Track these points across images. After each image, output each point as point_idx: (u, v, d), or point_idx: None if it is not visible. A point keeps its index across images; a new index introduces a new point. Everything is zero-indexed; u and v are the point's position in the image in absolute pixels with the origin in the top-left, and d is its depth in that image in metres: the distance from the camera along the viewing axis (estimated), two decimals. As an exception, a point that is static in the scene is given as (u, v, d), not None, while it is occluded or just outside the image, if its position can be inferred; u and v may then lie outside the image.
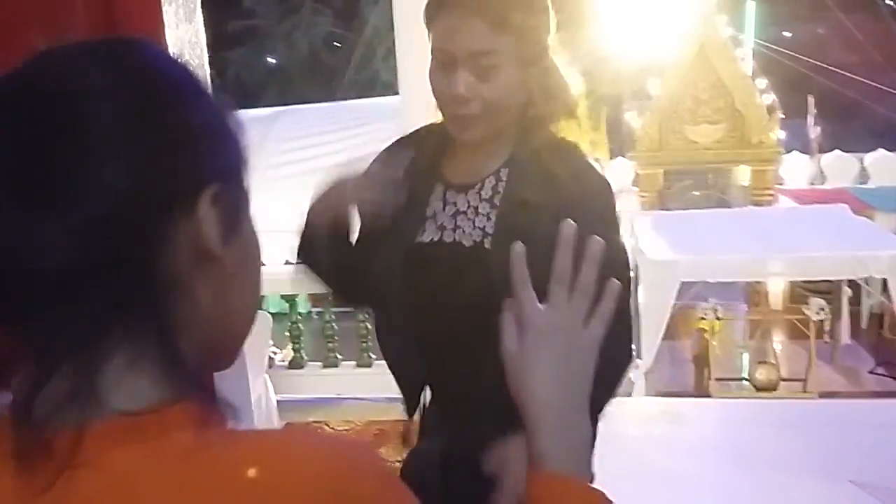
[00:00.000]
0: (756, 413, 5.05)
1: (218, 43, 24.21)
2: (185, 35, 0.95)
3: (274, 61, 26.43)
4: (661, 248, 7.89)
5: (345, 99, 14.47)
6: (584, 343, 0.77)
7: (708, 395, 8.07)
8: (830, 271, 7.97)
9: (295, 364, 5.81)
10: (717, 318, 8.52)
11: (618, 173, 13.90)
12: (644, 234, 8.38)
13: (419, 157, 1.48)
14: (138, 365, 0.54)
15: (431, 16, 1.39)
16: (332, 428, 4.71)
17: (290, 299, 5.89)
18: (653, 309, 7.42)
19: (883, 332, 10.40)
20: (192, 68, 0.62)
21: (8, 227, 0.51)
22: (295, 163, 9.02)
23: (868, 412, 5.21)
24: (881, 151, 12.20)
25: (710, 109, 12.63)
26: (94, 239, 0.51)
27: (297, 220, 1.48)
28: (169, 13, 0.93)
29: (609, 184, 1.54)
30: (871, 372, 9.26)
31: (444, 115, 1.44)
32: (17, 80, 0.54)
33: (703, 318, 8.56)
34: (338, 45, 24.71)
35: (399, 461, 1.65)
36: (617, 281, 0.78)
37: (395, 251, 1.47)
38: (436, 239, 1.47)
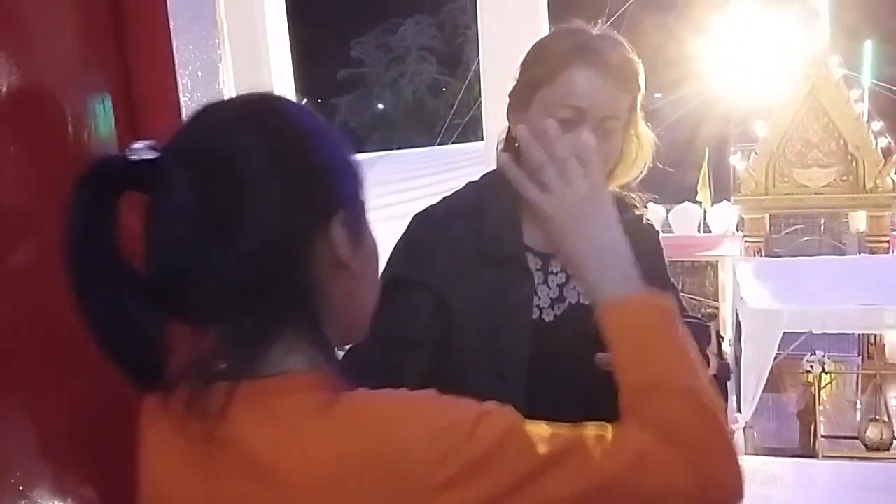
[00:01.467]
0: (862, 476, 4.72)
1: (328, 90, 25.28)
2: (206, 96, 1.02)
3: (380, 107, 27.25)
4: (763, 296, 7.58)
5: (445, 143, 14.76)
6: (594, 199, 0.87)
7: (813, 453, 7.62)
8: (953, 324, 7.45)
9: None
10: (824, 371, 8.07)
11: (721, 217, 13.52)
12: (746, 281, 8.07)
13: (493, 223, 1.32)
14: (295, 346, 0.70)
15: (557, 66, 1.22)
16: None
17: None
18: (753, 359, 7.12)
19: None
20: (314, 113, 0.77)
21: (195, 258, 0.67)
22: (392, 206, 9.24)
23: None
24: None
25: (820, 152, 12.13)
26: (259, 262, 0.68)
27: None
28: (184, 77, 0.99)
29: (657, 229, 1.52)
30: None
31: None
32: (188, 139, 0.71)
33: (808, 372, 8.14)
34: (443, 90, 25.26)
35: None
36: None
37: (515, 326, 1.31)
38: (559, 309, 1.35)
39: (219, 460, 0.67)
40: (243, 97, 0.76)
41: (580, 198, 0.85)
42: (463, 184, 1.38)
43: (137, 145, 0.70)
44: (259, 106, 0.75)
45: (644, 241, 1.32)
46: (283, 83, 4.72)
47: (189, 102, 1.01)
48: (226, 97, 1.10)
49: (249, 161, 0.68)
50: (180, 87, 1.00)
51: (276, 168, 0.69)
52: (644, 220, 1.45)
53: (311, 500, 0.64)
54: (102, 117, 0.97)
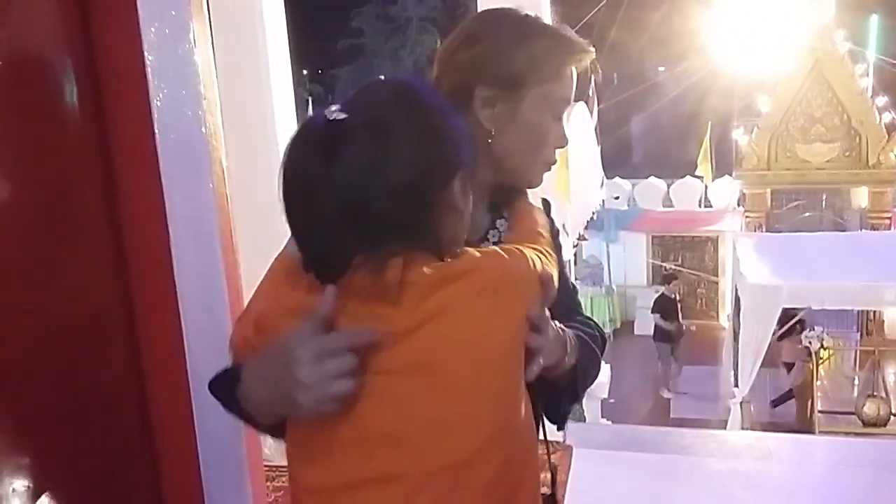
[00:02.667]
0: (858, 452, 4.71)
1: (328, 60, 25.06)
2: (174, 54, 0.96)
3: (380, 77, 26.96)
4: (763, 272, 7.53)
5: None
6: None
7: (810, 429, 7.63)
8: (954, 301, 7.41)
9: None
10: (823, 347, 8.05)
11: (722, 192, 13.45)
12: (746, 257, 8.03)
13: None
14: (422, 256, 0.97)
15: (563, 61, 1.26)
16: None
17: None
18: (751, 335, 7.09)
19: None
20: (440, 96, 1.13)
21: (371, 189, 0.93)
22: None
23: None
24: None
25: (824, 127, 12.03)
26: (406, 206, 0.94)
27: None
28: (150, 34, 0.94)
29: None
30: None
31: (535, 163, 1.32)
32: (362, 109, 0.96)
33: (806, 347, 8.12)
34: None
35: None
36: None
37: None
38: None
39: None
40: (395, 81, 1.07)
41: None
42: None
43: (333, 108, 0.95)
44: (407, 89, 1.02)
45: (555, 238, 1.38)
46: (277, 52, 4.64)
47: (155, 61, 0.95)
48: (197, 56, 1.05)
49: (400, 133, 0.95)
50: (145, 45, 0.95)
51: (419, 138, 0.95)
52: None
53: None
54: (65, 76, 0.92)
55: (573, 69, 1.28)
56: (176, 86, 1.01)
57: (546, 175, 1.36)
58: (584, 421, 6.69)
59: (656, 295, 11.31)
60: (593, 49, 1.30)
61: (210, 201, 1.09)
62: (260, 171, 5.12)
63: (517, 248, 1.07)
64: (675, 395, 10.56)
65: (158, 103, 0.97)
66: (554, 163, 1.33)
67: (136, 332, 1.00)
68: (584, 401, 7.10)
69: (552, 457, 1.36)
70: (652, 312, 11.02)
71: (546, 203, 1.41)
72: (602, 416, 7.06)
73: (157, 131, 0.95)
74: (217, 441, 1.06)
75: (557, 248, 1.30)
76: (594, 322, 1.36)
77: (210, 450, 1.03)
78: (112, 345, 1.01)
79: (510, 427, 1.01)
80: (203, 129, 1.07)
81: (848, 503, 3.92)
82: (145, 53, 0.95)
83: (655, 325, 10.86)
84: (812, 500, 4.06)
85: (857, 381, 8.83)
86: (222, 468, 1.07)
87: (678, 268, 13.87)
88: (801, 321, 8.88)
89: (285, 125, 5.13)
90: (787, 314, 8.82)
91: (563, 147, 1.32)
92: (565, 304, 1.23)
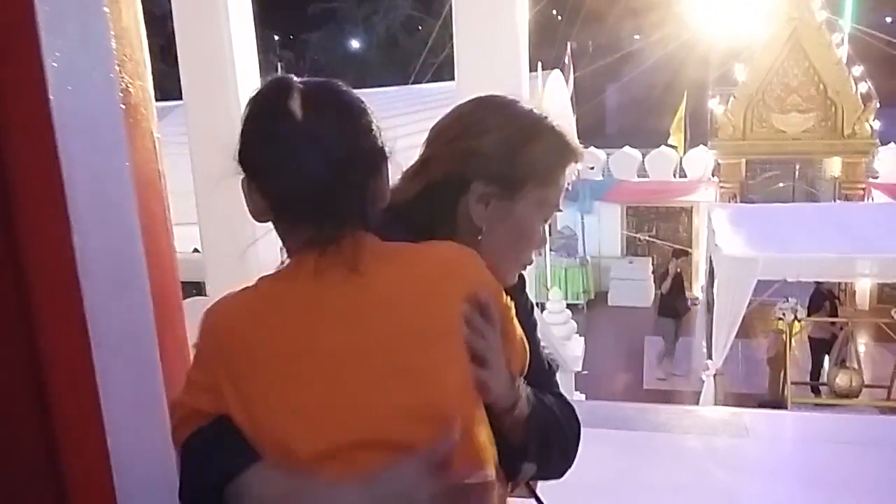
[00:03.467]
0: (831, 427, 4.66)
1: (297, 26, 24.51)
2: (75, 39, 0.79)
3: (353, 45, 26.54)
4: (738, 243, 7.46)
5: (420, 83, 14.36)
6: None
7: (782, 400, 7.63)
8: (926, 273, 7.41)
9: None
10: (797, 319, 8.03)
11: (697, 162, 13.38)
12: (721, 228, 7.95)
13: None
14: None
15: (563, 166, 1.25)
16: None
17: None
18: (726, 307, 7.03)
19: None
20: None
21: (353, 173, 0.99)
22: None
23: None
24: None
25: (800, 97, 11.97)
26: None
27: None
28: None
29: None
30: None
31: (516, 262, 1.29)
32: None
33: (780, 319, 8.10)
34: (418, 28, 24.61)
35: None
36: None
37: None
38: None
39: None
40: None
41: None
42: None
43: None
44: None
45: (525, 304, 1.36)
46: (241, 17, 4.40)
47: (51, 12, 0.78)
48: (107, 6, 0.87)
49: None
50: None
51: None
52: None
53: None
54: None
55: (566, 167, 1.26)
56: (79, 43, 0.83)
57: None
58: (558, 395, 6.62)
59: (660, 270, 11.04)
60: (584, 152, 1.31)
61: (124, 180, 0.92)
62: (221, 140, 4.91)
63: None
64: (660, 370, 10.47)
65: (55, 64, 0.79)
66: (531, 263, 1.32)
67: (34, 340, 0.83)
68: (557, 374, 7.03)
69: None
70: (657, 288, 10.80)
71: (521, 279, 1.34)
72: (576, 390, 6.99)
73: (51, 98, 0.78)
74: (134, 460, 0.92)
75: (532, 327, 1.27)
76: (570, 405, 1.30)
77: (127, 478, 0.89)
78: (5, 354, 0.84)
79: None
80: (117, 96, 0.90)
81: (824, 479, 3.87)
82: (35, 1, 0.77)
83: (660, 302, 10.58)
84: (789, 476, 4.01)
85: (828, 353, 8.85)
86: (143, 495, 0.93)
87: (652, 238, 13.83)
88: (830, 296, 8.80)
89: (248, 93, 4.90)
90: (819, 291, 8.76)
91: (542, 248, 1.32)
92: (538, 380, 1.21)
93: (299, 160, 0.95)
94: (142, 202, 1.25)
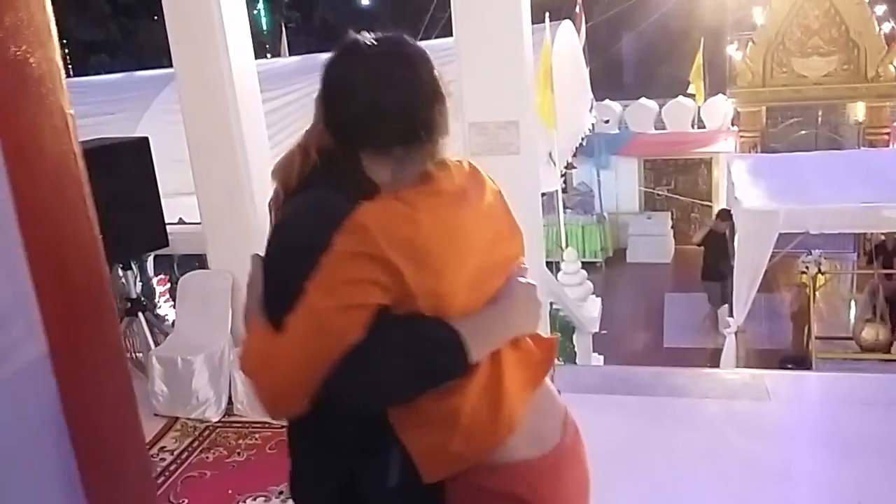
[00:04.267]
0: (856, 388, 4.46)
1: (305, -16, 24.03)
2: None
3: (362, 1, 26.05)
4: (758, 196, 7.18)
5: (429, 38, 14.03)
6: None
7: (806, 355, 7.43)
8: (955, 220, 7.08)
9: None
10: (820, 272, 7.78)
11: (716, 112, 13.00)
12: (741, 180, 7.66)
13: None
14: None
15: None
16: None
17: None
18: (747, 262, 6.79)
19: None
20: None
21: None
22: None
23: None
24: None
25: (821, 40, 11.52)
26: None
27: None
28: None
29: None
30: None
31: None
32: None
33: (803, 273, 7.85)
34: (427, -17, 24.06)
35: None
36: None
37: None
38: None
39: None
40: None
41: None
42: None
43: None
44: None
45: None
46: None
47: None
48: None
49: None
50: None
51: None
52: None
53: None
54: None
55: None
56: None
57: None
58: (576, 356, 6.47)
59: (705, 230, 10.17)
60: None
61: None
62: (216, 112, 4.73)
63: None
64: (670, 325, 10.27)
65: None
66: None
67: None
68: (574, 336, 6.87)
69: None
70: (701, 247, 10.13)
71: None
72: (594, 350, 6.83)
73: None
74: None
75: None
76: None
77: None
78: None
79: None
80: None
81: (850, 442, 3.71)
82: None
83: (703, 265, 9.91)
84: (813, 440, 3.85)
85: (853, 305, 8.60)
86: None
87: (671, 194, 13.52)
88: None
89: (241, 67, 4.70)
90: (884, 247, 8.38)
91: None
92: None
93: (414, 100, 1.35)
94: (53, 188, 1.09)
